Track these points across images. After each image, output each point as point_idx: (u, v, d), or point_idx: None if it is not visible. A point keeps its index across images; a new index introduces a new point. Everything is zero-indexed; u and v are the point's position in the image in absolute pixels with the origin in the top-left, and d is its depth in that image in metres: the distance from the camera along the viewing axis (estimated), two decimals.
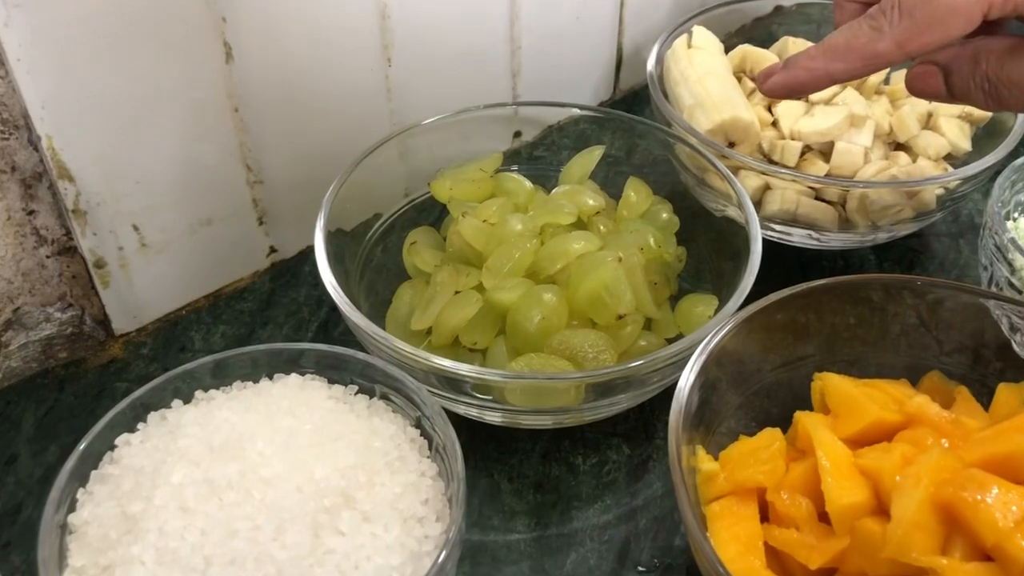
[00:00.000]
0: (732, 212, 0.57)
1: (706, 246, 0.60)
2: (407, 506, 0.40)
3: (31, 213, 0.52)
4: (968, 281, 0.59)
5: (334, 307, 0.60)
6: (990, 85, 0.42)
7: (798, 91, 0.50)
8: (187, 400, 0.44)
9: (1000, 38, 0.42)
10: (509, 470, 0.51)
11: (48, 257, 0.54)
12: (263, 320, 0.60)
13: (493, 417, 0.49)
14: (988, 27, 0.42)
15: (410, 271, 0.58)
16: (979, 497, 0.38)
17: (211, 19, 0.52)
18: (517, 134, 0.71)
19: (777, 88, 0.47)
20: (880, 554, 0.39)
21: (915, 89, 0.45)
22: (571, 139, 0.68)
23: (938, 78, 0.44)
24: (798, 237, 0.61)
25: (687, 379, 0.44)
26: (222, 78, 0.54)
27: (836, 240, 0.60)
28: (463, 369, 0.45)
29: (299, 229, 0.63)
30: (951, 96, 0.45)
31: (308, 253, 0.65)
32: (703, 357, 0.45)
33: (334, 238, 0.54)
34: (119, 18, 0.48)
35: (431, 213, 0.63)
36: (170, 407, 0.44)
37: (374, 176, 0.59)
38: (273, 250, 0.63)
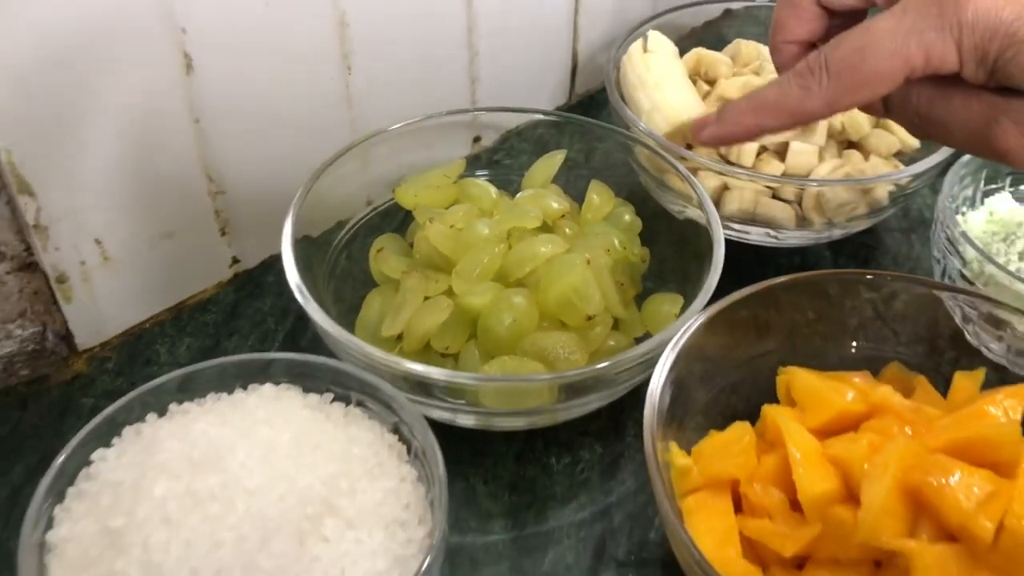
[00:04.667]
0: (693, 213, 0.58)
1: (668, 247, 0.61)
2: (389, 511, 0.40)
3: None
4: (921, 274, 0.61)
5: (300, 316, 0.61)
6: (920, 120, 0.43)
7: (731, 143, 0.54)
8: (161, 413, 0.44)
9: (929, 81, 0.42)
10: (484, 472, 0.52)
11: (8, 273, 0.53)
12: (228, 331, 0.60)
13: (466, 421, 0.50)
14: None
15: (377, 278, 0.58)
16: (943, 481, 0.40)
17: (170, 30, 0.51)
18: (477, 139, 0.71)
19: (711, 140, 0.48)
20: (851, 539, 0.40)
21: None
22: (530, 144, 0.69)
23: (879, 103, 0.45)
24: (756, 235, 0.62)
25: (659, 377, 0.45)
26: (182, 89, 0.54)
27: (793, 238, 0.62)
28: (435, 373, 0.45)
29: (261, 239, 0.63)
30: (888, 115, 0.47)
31: (271, 263, 0.64)
32: (673, 354, 0.46)
33: (300, 245, 0.54)
34: (75, 31, 0.48)
35: (394, 220, 0.63)
36: (144, 421, 0.43)
37: (337, 184, 0.59)
38: (236, 260, 0.63)
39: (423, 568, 0.37)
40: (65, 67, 0.48)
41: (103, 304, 0.57)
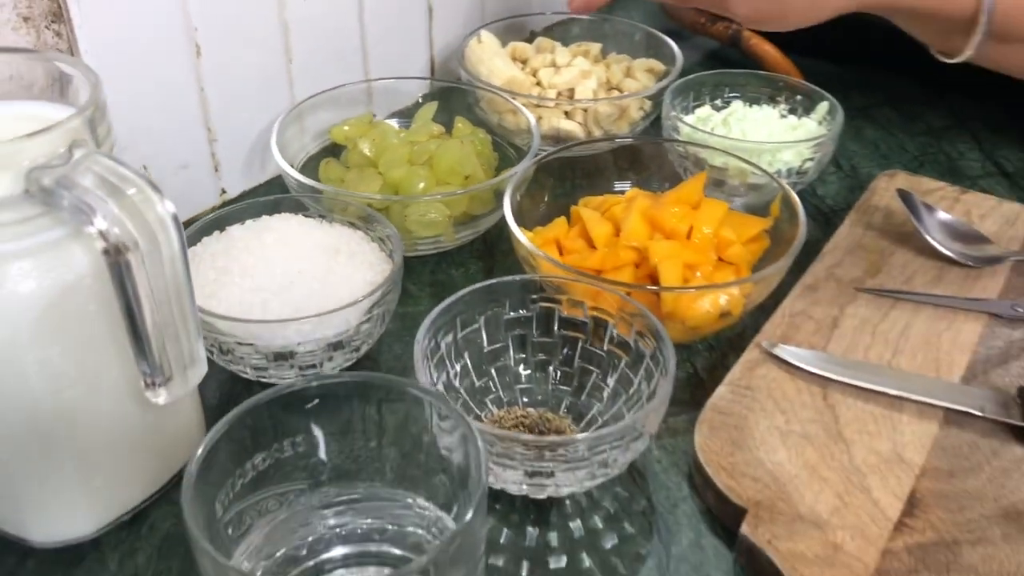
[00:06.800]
0: (523, 139, 0.93)
1: (506, 162, 0.96)
2: (370, 260, 0.72)
3: None
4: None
5: None
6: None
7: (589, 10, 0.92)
8: (222, 231, 0.74)
9: None
10: (411, 280, 0.84)
11: None
12: None
13: None
14: None
15: (324, 182, 0.90)
16: (663, 211, 0.75)
17: (188, 29, 0.83)
18: (373, 116, 1.04)
19: (581, 8, 0.86)
20: (620, 250, 0.75)
21: None
22: (410, 118, 1.03)
23: None
24: None
25: (507, 198, 0.79)
26: (194, 68, 0.85)
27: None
28: (377, 198, 0.78)
29: (239, 176, 0.94)
30: None
31: (245, 195, 0.95)
32: (512, 186, 0.80)
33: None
34: (140, 38, 0.79)
35: (325, 158, 0.96)
36: (211, 235, 0.73)
37: (287, 137, 0.91)
38: (223, 191, 0.93)
39: (391, 277, 0.69)
40: (130, 58, 0.79)
41: None
